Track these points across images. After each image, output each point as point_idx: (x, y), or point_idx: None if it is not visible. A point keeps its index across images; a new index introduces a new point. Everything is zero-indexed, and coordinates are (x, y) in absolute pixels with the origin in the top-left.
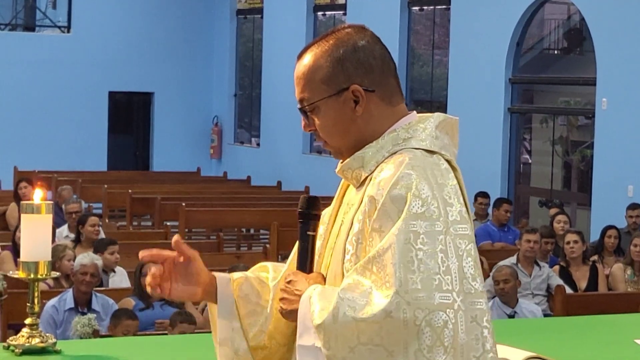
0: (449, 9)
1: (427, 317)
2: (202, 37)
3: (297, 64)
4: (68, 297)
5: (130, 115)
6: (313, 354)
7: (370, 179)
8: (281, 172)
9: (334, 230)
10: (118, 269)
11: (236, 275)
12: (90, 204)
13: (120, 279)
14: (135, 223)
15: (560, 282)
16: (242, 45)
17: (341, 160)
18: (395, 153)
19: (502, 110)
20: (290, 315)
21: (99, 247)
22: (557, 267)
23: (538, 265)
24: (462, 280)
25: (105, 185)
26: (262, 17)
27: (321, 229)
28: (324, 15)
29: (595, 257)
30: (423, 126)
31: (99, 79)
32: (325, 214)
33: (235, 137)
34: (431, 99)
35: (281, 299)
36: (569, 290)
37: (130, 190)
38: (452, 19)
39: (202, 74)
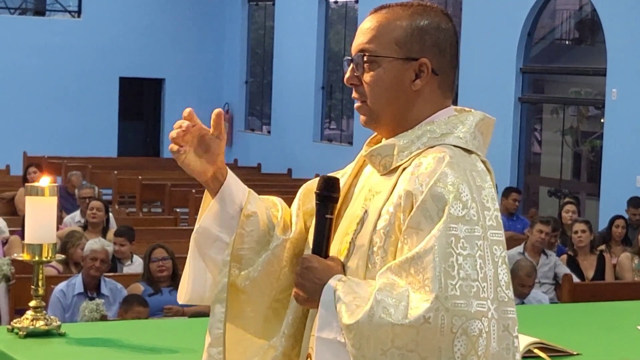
0: None
1: (463, 325)
2: (213, 24)
3: (371, 15)
4: (77, 282)
5: (140, 101)
6: (334, 348)
7: (403, 170)
8: (291, 160)
9: (348, 213)
10: (136, 257)
11: (251, 205)
12: (100, 190)
13: (137, 269)
14: (145, 209)
15: (567, 270)
16: (254, 32)
17: (367, 143)
18: (432, 147)
19: (512, 100)
20: (308, 303)
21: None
22: (564, 257)
23: (545, 254)
24: (497, 287)
25: (115, 172)
26: (273, 4)
27: None
28: (336, 2)
29: (602, 247)
30: (462, 123)
31: (109, 65)
32: None
33: (246, 124)
34: None
35: (297, 284)
36: (576, 279)
37: (140, 177)
38: (463, 7)
39: (213, 60)
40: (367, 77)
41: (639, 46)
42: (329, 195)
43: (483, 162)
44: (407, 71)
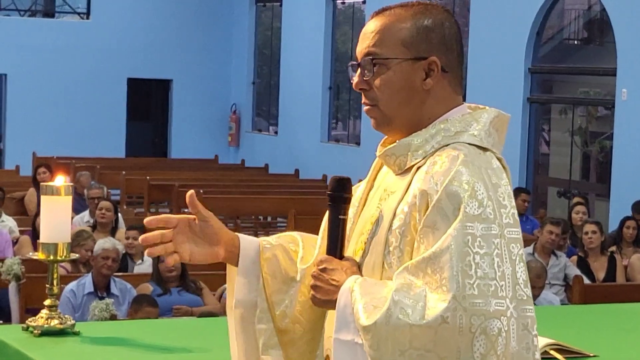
0: None
1: (482, 325)
2: (221, 25)
3: (374, 19)
4: (87, 282)
5: (148, 102)
6: (351, 350)
7: (417, 170)
8: (299, 161)
9: (364, 214)
10: (146, 257)
11: (266, 249)
12: (109, 190)
13: (147, 268)
14: (152, 210)
15: (578, 272)
16: (261, 33)
17: (381, 143)
18: (446, 146)
19: (521, 100)
20: (325, 304)
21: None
22: (575, 258)
23: (555, 255)
24: (515, 286)
25: (124, 172)
26: (281, 5)
27: (350, 211)
28: (343, 3)
29: (613, 248)
30: (477, 120)
31: (117, 66)
32: (354, 195)
33: (253, 125)
34: None
35: (314, 287)
36: (586, 280)
37: (148, 177)
38: (471, 7)
39: (220, 61)
40: (377, 81)
41: None
42: (341, 196)
43: (499, 159)
44: (417, 71)
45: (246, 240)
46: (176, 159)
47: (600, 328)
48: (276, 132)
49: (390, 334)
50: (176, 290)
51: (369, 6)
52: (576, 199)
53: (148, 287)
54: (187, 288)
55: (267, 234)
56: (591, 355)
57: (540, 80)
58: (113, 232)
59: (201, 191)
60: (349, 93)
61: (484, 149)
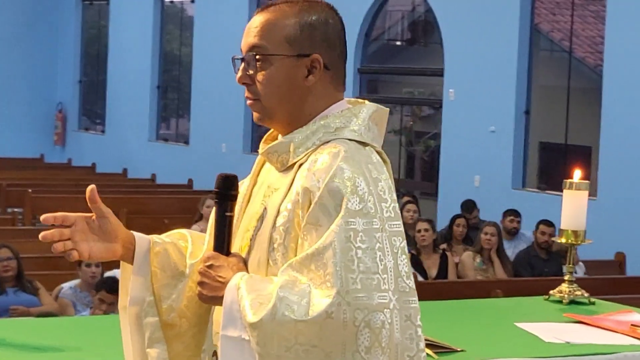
0: None
1: (366, 318)
2: (46, 22)
3: (258, 14)
4: None
5: None
6: (238, 346)
7: (300, 167)
8: (127, 160)
9: (248, 210)
10: None
11: (156, 243)
12: None
13: None
14: None
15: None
16: (87, 31)
17: (264, 140)
18: (327, 142)
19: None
20: (212, 301)
21: None
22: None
23: None
24: (397, 278)
25: None
26: (108, 4)
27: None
28: (171, 2)
29: (444, 246)
30: (356, 115)
31: None
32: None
33: (79, 123)
34: None
35: (201, 283)
36: (420, 278)
37: None
38: None
39: (46, 59)
40: (259, 75)
41: (475, 47)
42: (227, 193)
43: (378, 153)
44: (299, 68)
45: (140, 237)
46: (2, 158)
47: (464, 323)
48: (103, 131)
49: (276, 330)
50: (12, 291)
51: (197, 6)
52: (406, 198)
53: None
54: (24, 288)
55: None
56: (459, 350)
57: (367, 80)
58: None
59: (30, 190)
60: (178, 92)
61: (364, 144)
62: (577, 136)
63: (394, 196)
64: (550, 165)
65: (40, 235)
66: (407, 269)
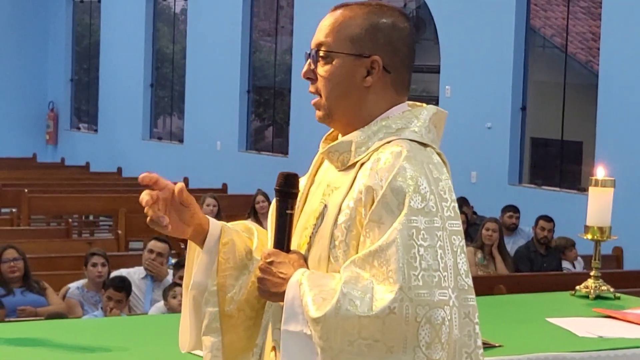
0: None
1: (427, 314)
2: (37, 21)
3: (330, 14)
4: None
5: None
6: (301, 341)
7: (361, 166)
8: (120, 158)
9: (306, 209)
10: None
11: (225, 233)
12: None
13: None
14: None
15: None
16: (79, 29)
17: (324, 140)
18: (388, 142)
19: None
20: (272, 297)
21: None
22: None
23: None
24: (457, 276)
25: None
26: (98, 1)
27: None
28: (164, 0)
29: None
30: (417, 117)
31: None
32: None
33: (71, 122)
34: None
35: (261, 279)
36: None
37: None
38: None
39: (37, 58)
40: (320, 71)
41: (471, 44)
42: (288, 191)
43: (438, 154)
44: (358, 67)
45: (213, 225)
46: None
47: (498, 319)
48: (96, 130)
49: (340, 325)
50: (19, 291)
51: (190, 5)
52: None
53: None
54: (31, 288)
55: (91, 233)
56: (497, 345)
57: None
58: None
59: (26, 190)
60: (171, 90)
61: (425, 145)
62: (572, 132)
63: (454, 196)
64: (546, 160)
65: (142, 195)
66: (465, 267)
